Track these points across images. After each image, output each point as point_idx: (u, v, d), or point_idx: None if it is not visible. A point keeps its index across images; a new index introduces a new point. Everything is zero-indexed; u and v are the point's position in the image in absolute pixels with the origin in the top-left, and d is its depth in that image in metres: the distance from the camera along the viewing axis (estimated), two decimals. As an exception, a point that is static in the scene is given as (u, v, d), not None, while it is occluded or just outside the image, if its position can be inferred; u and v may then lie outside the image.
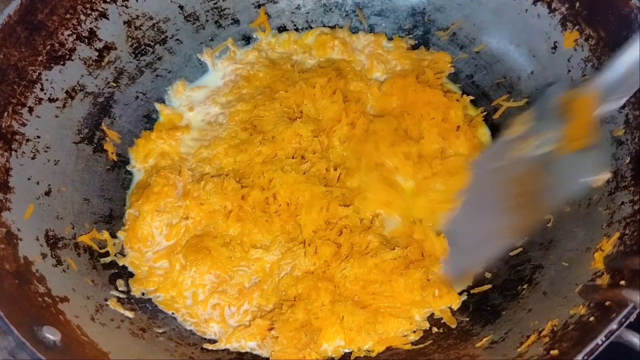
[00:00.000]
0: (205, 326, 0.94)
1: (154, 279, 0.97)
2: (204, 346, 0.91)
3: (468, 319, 0.93)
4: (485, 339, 0.87)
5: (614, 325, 0.67)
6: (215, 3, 1.21)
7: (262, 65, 1.20)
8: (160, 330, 0.91)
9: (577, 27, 1.03)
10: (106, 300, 0.90)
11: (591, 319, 0.74)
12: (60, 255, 0.90)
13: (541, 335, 0.79)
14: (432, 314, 0.96)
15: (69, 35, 1.03)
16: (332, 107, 1.11)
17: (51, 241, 0.90)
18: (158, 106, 1.16)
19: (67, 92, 1.03)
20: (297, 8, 1.27)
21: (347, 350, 0.93)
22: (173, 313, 0.95)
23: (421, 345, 0.91)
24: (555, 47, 1.07)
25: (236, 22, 1.24)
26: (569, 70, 1.05)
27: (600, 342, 0.66)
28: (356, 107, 1.12)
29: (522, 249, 0.99)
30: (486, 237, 0.94)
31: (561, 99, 0.93)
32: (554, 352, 0.73)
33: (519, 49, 1.14)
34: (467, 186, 1.02)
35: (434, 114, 1.11)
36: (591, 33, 1.01)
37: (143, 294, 0.96)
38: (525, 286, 0.93)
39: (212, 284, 0.96)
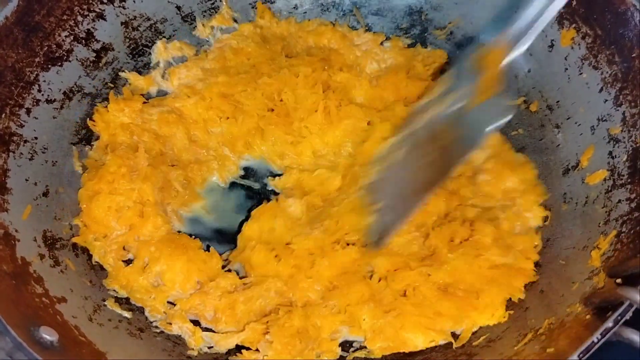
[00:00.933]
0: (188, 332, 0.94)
1: (122, 274, 0.96)
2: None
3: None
4: (482, 338, 0.87)
5: (609, 323, 0.67)
6: (213, 3, 1.21)
7: (253, 42, 1.19)
8: (158, 330, 0.91)
9: (573, 25, 1.03)
10: (104, 300, 0.91)
11: (587, 316, 0.74)
12: (58, 256, 0.90)
13: (538, 333, 0.79)
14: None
15: (66, 36, 1.03)
16: (310, 98, 1.11)
17: (49, 242, 0.91)
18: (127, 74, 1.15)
19: (64, 93, 1.03)
20: (294, 8, 1.27)
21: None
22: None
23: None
24: (552, 46, 1.07)
25: (234, 21, 1.24)
26: (566, 69, 1.04)
27: (595, 340, 0.66)
28: (336, 96, 1.12)
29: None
30: (404, 197, 0.96)
31: (474, 57, 0.96)
32: (550, 350, 0.73)
33: (516, 48, 1.14)
34: (387, 150, 1.04)
35: None
36: (588, 31, 1.01)
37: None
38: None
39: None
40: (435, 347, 0.90)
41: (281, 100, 1.12)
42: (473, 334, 0.90)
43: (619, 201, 0.87)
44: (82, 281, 0.91)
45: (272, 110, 1.12)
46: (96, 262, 0.97)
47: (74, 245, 0.95)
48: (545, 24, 0.87)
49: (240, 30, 1.22)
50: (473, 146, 0.93)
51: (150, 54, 1.17)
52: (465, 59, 0.99)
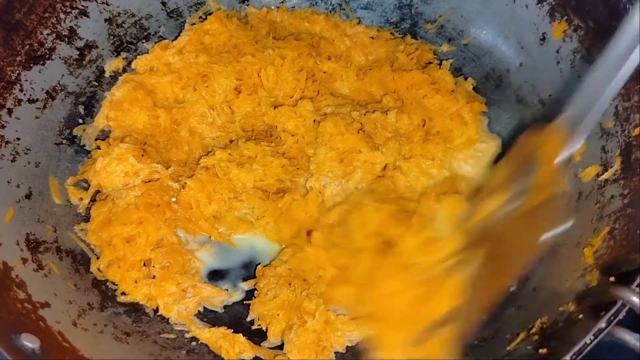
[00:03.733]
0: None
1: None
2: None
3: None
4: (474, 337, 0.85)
5: (602, 324, 0.66)
6: (199, -1, 1.19)
7: (236, 25, 1.16)
8: (145, 334, 0.90)
9: (565, 17, 1.01)
10: (89, 304, 0.89)
11: (580, 316, 0.72)
12: (42, 260, 0.88)
13: (530, 332, 0.78)
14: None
15: (48, 34, 1.01)
16: (291, 83, 1.10)
17: (32, 245, 0.89)
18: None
19: (47, 92, 1.01)
20: (282, 2, 1.25)
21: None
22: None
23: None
24: (544, 39, 1.05)
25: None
26: (558, 62, 1.03)
27: (588, 341, 0.65)
28: (316, 87, 1.11)
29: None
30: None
31: (530, 143, 0.84)
32: (542, 350, 0.71)
33: (507, 41, 1.12)
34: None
35: (423, 91, 1.10)
36: (580, 24, 0.99)
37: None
38: (514, 282, 0.92)
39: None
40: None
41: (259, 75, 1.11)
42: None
43: (612, 197, 0.86)
44: (67, 285, 0.89)
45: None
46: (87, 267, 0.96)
47: (58, 248, 0.93)
48: (606, 106, 0.75)
49: (217, 14, 1.17)
50: (531, 259, 0.81)
51: (134, 50, 1.15)
52: (521, 146, 0.86)
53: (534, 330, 0.78)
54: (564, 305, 0.77)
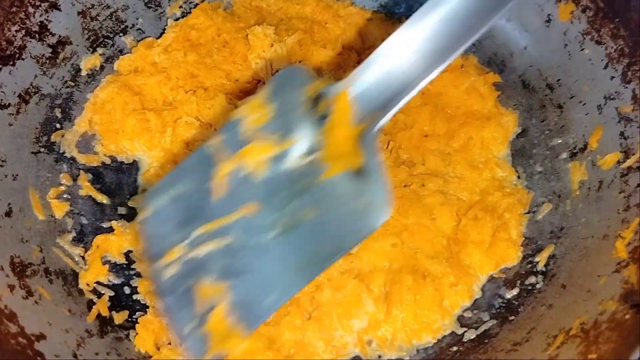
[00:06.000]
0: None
1: None
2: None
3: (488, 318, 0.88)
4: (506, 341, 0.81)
5: (660, 327, 0.62)
6: (179, -15, 1.10)
7: (222, 17, 1.09)
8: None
9: (572, -3, 0.97)
10: (87, 331, 0.80)
11: (627, 316, 0.69)
12: (30, 285, 0.79)
13: (570, 334, 0.74)
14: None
15: (17, 31, 0.91)
16: None
17: (18, 269, 0.80)
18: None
19: (20, 95, 0.92)
20: (268, -14, 1.17)
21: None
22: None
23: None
24: (549, 20, 1.01)
25: (204, 2, 1.14)
26: (566, 45, 0.99)
27: (650, 347, 0.61)
28: None
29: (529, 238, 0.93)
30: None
31: (308, 91, 0.80)
32: (592, 356, 0.67)
33: (510, 24, 1.07)
34: None
35: None
36: (588, 4, 0.95)
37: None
38: (539, 278, 0.88)
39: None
40: (452, 354, 0.85)
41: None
42: (492, 335, 0.85)
43: (638, 185, 0.83)
44: (61, 311, 0.80)
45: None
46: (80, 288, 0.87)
47: (47, 270, 0.84)
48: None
49: (201, 6, 1.10)
50: (344, 247, 0.78)
51: (112, 45, 1.05)
52: (289, 87, 0.81)
53: (573, 331, 0.74)
54: (604, 303, 0.73)
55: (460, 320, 0.89)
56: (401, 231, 0.93)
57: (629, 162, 0.86)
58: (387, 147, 1.01)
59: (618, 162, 0.87)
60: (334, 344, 0.86)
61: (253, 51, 1.04)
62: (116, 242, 0.92)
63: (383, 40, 1.06)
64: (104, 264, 0.90)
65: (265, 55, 1.04)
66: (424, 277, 0.90)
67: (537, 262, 0.90)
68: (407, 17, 1.13)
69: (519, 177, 1.00)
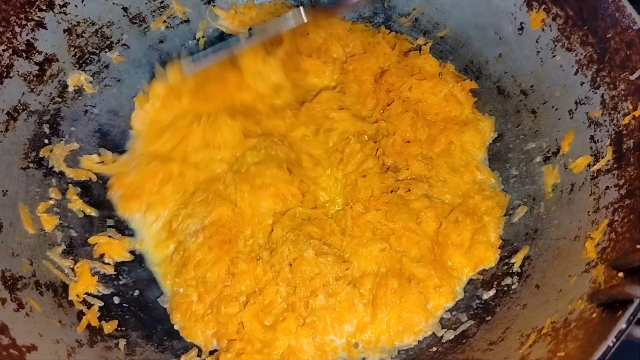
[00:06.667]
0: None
1: None
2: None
3: (466, 319, 0.91)
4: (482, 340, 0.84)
5: (622, 325, 0.65)
6: (162, 2, 1.13)
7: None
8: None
9: (543, 6, 1.00)
10: (77, 341, 0.83)
11: (594, 315, 0.71)
12: (21, 297, 0.82)
13: (541, 333, 0.77)
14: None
15: (4, 50, 0.93)
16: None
17: (9, 283, 0.82)
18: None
19: (8, 113, 0.94)
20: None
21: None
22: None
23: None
24: (522, 28, 1.04)
25: (186, 21, 1.16)
26: (538, 52, 1.02)
27: (611, 344, 0.64)
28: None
29: (505, 240, 0.97)
30: None
31: None
32: (561, 354, 0.70)
33: (484, 32, 1.10)
34: None
35: (407, 84, 1.11)
36: (559, 12, 0.98)
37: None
38: (515, 279, 0.91)
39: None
40: (432, 354, 0.88)
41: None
42: (469, 336, 0.88)
43: (607, 188, 0.86)
44: (51, 322, 0.83)
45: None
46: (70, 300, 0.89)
47: (37, 283, 0.86)
48: None
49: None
50: None
51: (97, 61, 1.08)
52: None
53: (545, 330, 0.77)
54: (573, 302, 0.76)
55: (441, 322, 0.92)
56: (389, 235, 0.96)
57: (598, 165, 0.89)
58: (375, 154, 1.04)
59: (589, 165, 0.91)
60: (324, 349, 0.89)
61: (247, 71, 1.06)
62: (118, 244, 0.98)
63: (364, 48, 1.12)
64: (93, 275, 0.93)
65: (260, 70, 1.07)
66: (409, 280, 0.93)
67: (513, 264, 0.93)
68: (386, 27, 1.19)
69: (495, 180, 1.03)
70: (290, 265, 0.93)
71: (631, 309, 0.65)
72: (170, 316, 0.95)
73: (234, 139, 1.04)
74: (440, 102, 1.10)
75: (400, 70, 1.13)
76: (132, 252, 1.00)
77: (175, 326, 0.95)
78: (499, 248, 0.97)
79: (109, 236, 0.98)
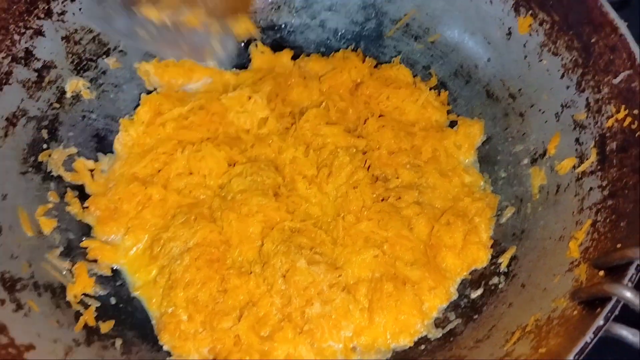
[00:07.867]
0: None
1: None
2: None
3: (454, 318, 0.93)
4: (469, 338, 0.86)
5: (600, 321, 0.67)
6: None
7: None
8: (137, 366, 0.87)
9: (530, 12, 1.02)
10: (75, 340, 0.85)
11: (575, 312, 0.74)
12: (20, 298, 0.84)
13: (525, 330, 0.79)
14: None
15: (3, 57, 0.96)
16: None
17: (8, 284, 0.84)
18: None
19: (7, 119, 0.96)
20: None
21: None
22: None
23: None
24: (510, 33, 1.06)
25: (181, 27, 1.19)
26: (526, 56, 1.04)
27: (589, 340, 0.66)
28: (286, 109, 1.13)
29: (495, 240, 0.99)
30: None
31: None
32: (542, 350, 0.72)
33: (473, 37, 1.13)
34: None
35: (384, 95, 1.14)
36: (545, 17, 1.00)
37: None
38: (502, 278, 0.93)
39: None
40: (421, 351, 0.90)
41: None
42: (457, 333, 0.90)
43: (591, 189, 0.88)
44: (49, 323, 0.85)
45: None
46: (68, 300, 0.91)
47: (35, 284, 0.88)
48: None
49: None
50: None
51: (95, 67, 1.10)
52: None
53: (528, 328, 0.79)
54: (556, 300, 0.78)
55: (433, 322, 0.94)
56: (382, 243, 0.98)
57: (582, 167, 0.91)
58: (364, 165, 1.06)
59: (574, 167, 0.93)
60: (323, 354, 0.91)
61: (232, 110, 1.11)
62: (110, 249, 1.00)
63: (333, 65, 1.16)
64: (90, 276, 0.95)
65: (247, 109, 1.10)
66: (404, 283, 0.94)
67: (500, 263, 0.95)
68: (378, 36, 1.21)
69: (485, 182, 1.06)
70: (284, 276, 0.93)
71: (609, 306, 0.67)
72: (158, 337, 0.93)
73: (219, 169, 1.05)
74: (419, 109, 1.13)
75: (375, 81, 1.15)
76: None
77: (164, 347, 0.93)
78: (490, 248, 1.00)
79: (102, 240, 1.00)
